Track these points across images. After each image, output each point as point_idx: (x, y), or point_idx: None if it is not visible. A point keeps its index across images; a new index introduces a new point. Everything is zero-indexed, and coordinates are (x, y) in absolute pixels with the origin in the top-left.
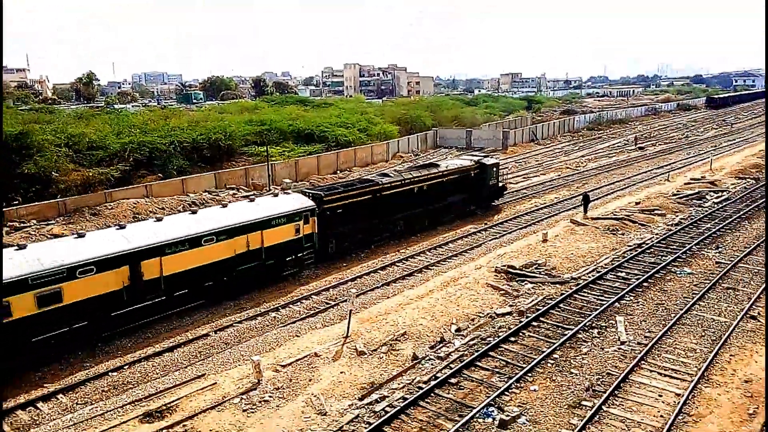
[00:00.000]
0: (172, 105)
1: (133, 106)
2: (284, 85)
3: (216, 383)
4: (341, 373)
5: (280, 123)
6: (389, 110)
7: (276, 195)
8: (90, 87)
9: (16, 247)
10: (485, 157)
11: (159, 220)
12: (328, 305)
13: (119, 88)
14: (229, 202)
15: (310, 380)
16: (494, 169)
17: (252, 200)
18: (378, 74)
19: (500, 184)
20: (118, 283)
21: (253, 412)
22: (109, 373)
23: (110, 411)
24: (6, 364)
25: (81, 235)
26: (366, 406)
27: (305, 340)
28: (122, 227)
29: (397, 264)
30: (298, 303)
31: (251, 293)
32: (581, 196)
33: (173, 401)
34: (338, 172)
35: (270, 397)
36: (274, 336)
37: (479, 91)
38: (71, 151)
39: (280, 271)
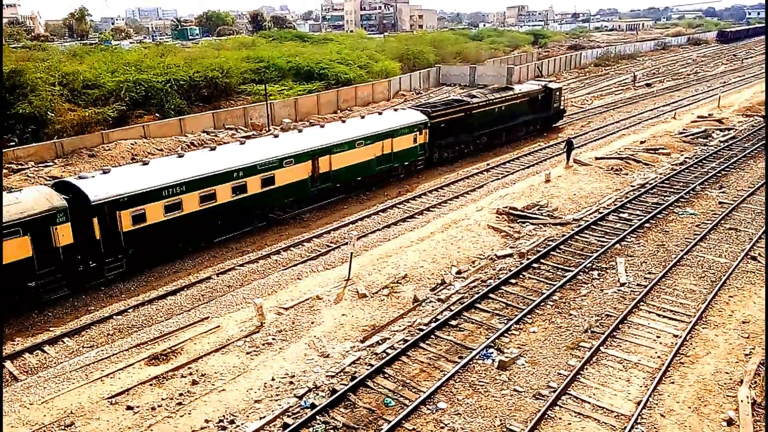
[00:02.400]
0: (167, 41)
1: (128, 43)
2: (282, 20)
3: (219, 326)
4: (343, 315)
5: (279, 60)
6: (391, 46)
7: (396, 110)
8: (83, 23)
9: (238, 143)
10: (550, 81)
11: (322, 126)
12: (329, 248)
13: (113, 24)
14: (304, 129)
15: (312, 323)
16: (557, 93)
17: (380, 113)
18: (380, 7)
19: (561, 107)
20: (305, 173)
21: (256, 355)
22: (114, 317)
23: (116, 354)
24: (240, 229)
25: (276, 136)
26: (367, 348)
27: (307, 282)
28: (300, 131)
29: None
30: (300, 246)
31: (254, 235)
32: (565, 142)
33: (178, 344)
34: (338, 111)
35: (273, 339)
36: (276, 279)
37: (484, 25)
38: (66, 90)
39: (400, 174)
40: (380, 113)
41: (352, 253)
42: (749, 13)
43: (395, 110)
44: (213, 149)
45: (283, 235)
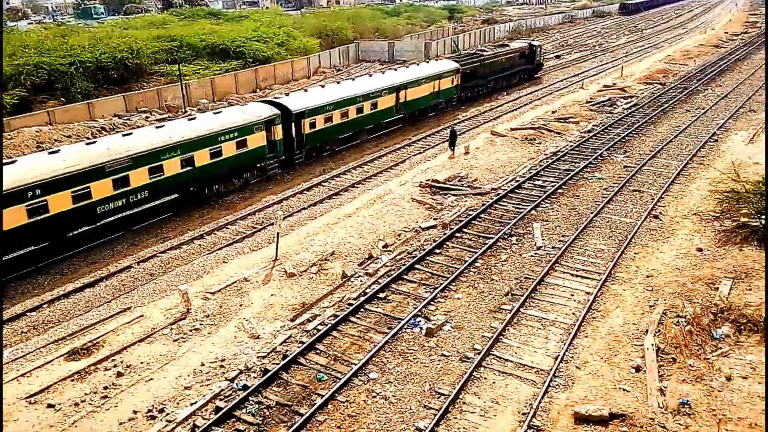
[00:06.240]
0: (70, 21)
1: (27, 24)
2: None
3: (143, 315)
4: (272, 296)
5: (192, 39)
6: (308, 22)
7: (437, 60)
8: None
9: (352, 80)
10: (533, 40)
11: (395, 70)
12: (255, 229)
13: (8, 3)
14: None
15: (240, 305)
16: (539, 49)
17: (428, 62)
18: None
19: (541, 61)
20: (392, 101)
21: (184, 341)
22: (27, 314)
23: (32, 352)
24: (356, 140)
25: (370, 75)
26: (298, 326)
27: (233, 265)
28: (383, 72)
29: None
30: (224, 229)
31: (175, 221)
32: (449, 132)
33: (99, 337)
34: (258, 90)
35: (201, 325)
36: (201, 264)
37: (400, 0)
38: None
39: (442, 107)
40: (428, 62)
41: (278, 233)
42: None
43: (437, 60)
44: (338, 83)
45: (206, 218)
